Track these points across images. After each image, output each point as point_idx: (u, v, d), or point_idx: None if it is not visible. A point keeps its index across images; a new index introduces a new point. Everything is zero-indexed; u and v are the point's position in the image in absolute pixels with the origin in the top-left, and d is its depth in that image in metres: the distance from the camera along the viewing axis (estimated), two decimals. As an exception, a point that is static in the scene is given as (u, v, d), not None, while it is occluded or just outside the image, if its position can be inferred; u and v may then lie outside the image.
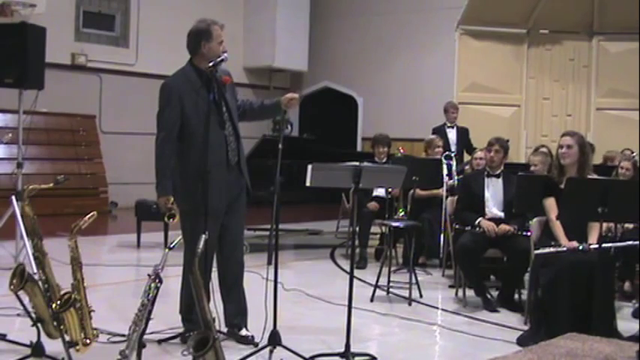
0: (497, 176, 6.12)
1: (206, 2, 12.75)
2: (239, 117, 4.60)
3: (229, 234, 4.56)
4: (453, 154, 8.03)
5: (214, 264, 4.60)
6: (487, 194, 6.08)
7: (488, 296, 5.81)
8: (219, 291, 4.59)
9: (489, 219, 5.93)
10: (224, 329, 4.53)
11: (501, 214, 6.00)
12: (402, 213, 6.68)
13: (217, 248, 4.58)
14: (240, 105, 4.66)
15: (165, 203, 4.32)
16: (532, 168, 6.53)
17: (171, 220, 4.31)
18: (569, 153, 5.04)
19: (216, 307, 3.98)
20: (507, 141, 6.40)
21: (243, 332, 4.57)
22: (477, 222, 5.87)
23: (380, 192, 7.60)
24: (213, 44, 4.37)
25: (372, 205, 7.53)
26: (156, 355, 4.27)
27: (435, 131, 9.39)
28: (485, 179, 6.13)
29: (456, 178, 7.47)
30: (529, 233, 5.47)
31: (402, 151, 8.01)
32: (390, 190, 7.14)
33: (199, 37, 4.38)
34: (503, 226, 5.81)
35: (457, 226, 6.17)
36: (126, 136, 12.11)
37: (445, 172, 7.33)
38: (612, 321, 4.79)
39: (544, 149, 7.29)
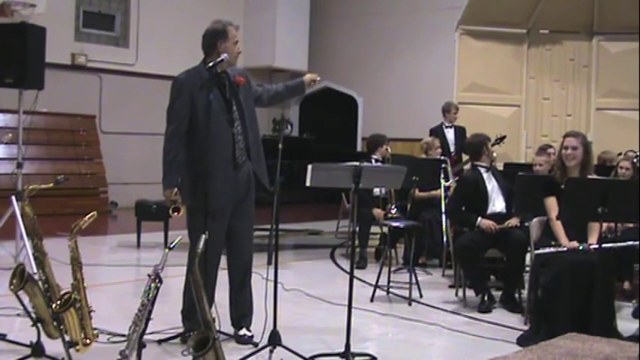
0: (488, 170, 6.13)
1: (206, 2, 12.76)
2: (255, 102, 4.65)
3: (237, 235, 4.56)
4: (448, 156, 8.02)
5: (224, 264, 4.61)
6: (489, 187, 6.07)
7: (485, 297, 5.78)
8: (223, 291, 4.59)
9: (491, 215, 5.91)
10: (224, 329, 4.52)
11: (504, 210, 5.98)
12: (394, 209, 6.66)
13: (226, 248, 4.59)
14: (260, 93, 4.71)
15: (171, 196, 4.33)
16: (536, 168, 6.51)
17: (175, 213, 4.31)
18: (574, 154, 5.02)
19: (216, 307, 3.97)
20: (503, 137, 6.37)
21: (243, 332, 4.57)
22: (477, 223, 5.87)
23: (377, 191, 7.58)
24: (229, 44, 4.42)
25: (377, 212, 7.44)
26: (156, 355, 4.27)
27: (433, 131, 9.38)
28: (484, 174, 6.12)
29: (452, 179, 7.42)
30: (526, 224, 5.46)
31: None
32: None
33: (215, 38, 4.44)
34: (510, 222, 5.79)
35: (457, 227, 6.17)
36: (126, 136, 12.11)
37: (442, 175, 7.30)
38: (612, 321, 4.78)
39: (551, 150, 7.24)
